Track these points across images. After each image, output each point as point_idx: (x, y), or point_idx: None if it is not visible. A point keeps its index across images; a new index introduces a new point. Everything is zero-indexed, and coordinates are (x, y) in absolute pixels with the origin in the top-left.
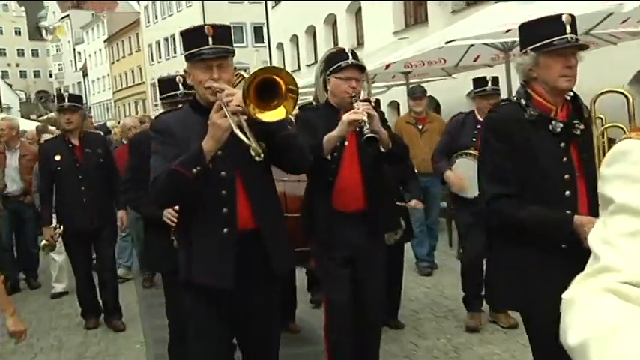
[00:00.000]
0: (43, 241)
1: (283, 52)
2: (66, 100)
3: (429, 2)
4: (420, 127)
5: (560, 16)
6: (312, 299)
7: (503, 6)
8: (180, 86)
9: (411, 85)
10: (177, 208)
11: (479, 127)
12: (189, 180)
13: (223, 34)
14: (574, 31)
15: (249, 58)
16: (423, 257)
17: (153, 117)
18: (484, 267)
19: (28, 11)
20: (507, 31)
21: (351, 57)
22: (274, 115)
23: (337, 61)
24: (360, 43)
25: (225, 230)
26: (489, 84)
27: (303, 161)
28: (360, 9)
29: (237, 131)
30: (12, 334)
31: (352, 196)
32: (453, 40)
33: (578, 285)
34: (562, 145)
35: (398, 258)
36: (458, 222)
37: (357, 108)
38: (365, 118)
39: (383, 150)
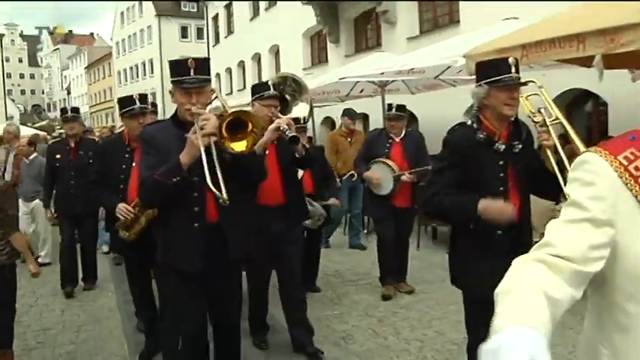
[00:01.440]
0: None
1: (220, 80)
2: (69, 112)
3: (328, 47)
4: (349, 139)
5: (507, 59)
6: None
7: (380, 55)
8: (137, 101)
9: (342, 107)
10: (128, 207)
11: (390, 141)
12: (169, 187)
13: (203, 65)
14: (517, 70)
15: None
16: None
17: (117, 127)
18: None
19: (28, 45)
20: (382, 73)
21: (272, 89)
22: (238, 146)
23: (261, 91)
24: None
25: (196, 225)
26: (394, 110)
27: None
28: (278, 50)
29: (209, 182)
30: (34, 275)
31: (273, 193)
32: (345, 77)
33: (525, 255)
34: (501, 162)
35: (316, 240)
36: (371, 213)
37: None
38: (286, 125)
39: (297, 156)
